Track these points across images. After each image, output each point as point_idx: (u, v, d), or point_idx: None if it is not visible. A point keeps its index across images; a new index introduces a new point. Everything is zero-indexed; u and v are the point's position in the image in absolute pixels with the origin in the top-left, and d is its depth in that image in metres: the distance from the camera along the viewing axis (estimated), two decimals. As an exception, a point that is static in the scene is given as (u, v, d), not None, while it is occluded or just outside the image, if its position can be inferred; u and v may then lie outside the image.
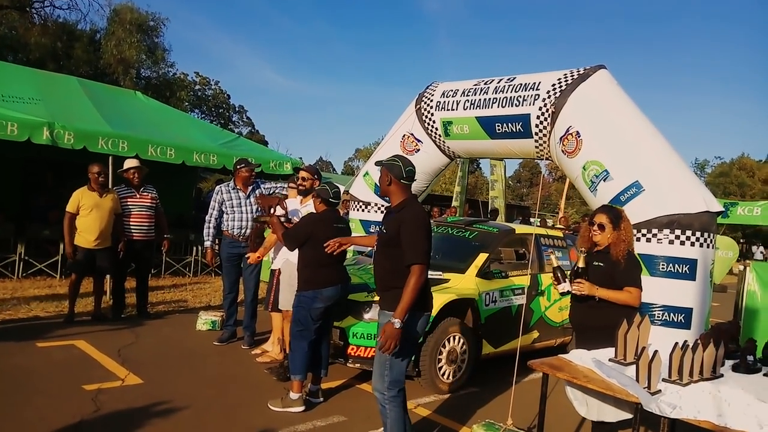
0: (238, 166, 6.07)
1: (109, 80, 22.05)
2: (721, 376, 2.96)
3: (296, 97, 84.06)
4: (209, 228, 6.02)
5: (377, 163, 3.58)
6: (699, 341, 2.97)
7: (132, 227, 6.65)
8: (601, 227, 3.74)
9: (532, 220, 21.73)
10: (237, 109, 41.72)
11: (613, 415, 3.03)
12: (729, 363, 3.14)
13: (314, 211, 4.56)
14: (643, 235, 5.05)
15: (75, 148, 7.48)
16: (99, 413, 3.96)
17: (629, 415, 3.00)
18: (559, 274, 3.77)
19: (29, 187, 10.11)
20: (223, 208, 5.99)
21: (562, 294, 3.81)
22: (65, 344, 5.45)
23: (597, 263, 3.72)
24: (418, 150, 7.26)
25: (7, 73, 9.17)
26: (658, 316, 5.00)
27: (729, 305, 10.33)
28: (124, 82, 23.63)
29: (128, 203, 6.66)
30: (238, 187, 6.01)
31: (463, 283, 5.18)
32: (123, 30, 25.17)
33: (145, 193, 6.78)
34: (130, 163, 6.82)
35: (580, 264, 3.69)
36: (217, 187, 6.17)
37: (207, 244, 6.08)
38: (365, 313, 4.89)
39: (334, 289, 4.37)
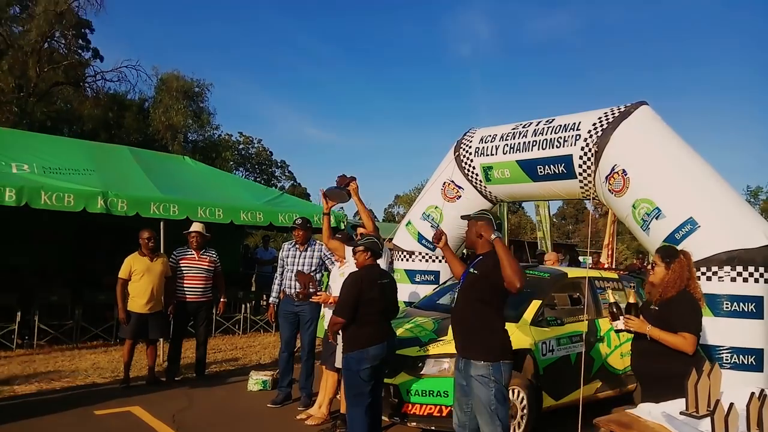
0: (292, 225, 6.24)
1: (158, 146, 23.04)
2: (807, 427, 2.74)
3: (335, 149, 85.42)
4: (275, 284, 6.23)
5: (464, 217, 3.84)
6: (778, 389, 2.77)
7: (185, 288, 6.78)
8: (653, 266, 3.66)
9: (581, 258, 21.15)
10: (279, 164, 42.81)
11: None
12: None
13: (355, 270, 4.46)
14: (703, 273, 4.85)
15: (128, 214, 7.77)
16: (156, 483, 3.95)
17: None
18: (615, 310, 3.72)
19: (84, 252, 10.49)
20: (285, 264, 6.08)
21: (617, 331, 3.77)
22: (122, 411, 5.51)
23: (653, 306, 3.60)
24: (460, 197, 7.24)
25: (64, 146, 9.71)
26: (726, 359, 4.76)
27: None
28: (173, 147, 24.63)
29: (183, 264, 6.81)
30: (297, 244, 6.10)
31: (518, 332, 5.01)
32: (170, 97, 26.45)
33: (205, 256, 6.94)
34: (194, 227, 7.05)
35: (630, 299, 3.63)
36: (283, 245, 6.33)
37: (271, 299, 6.34)
38: (420, 368, 4.77)
39: (379, 348, 4.22)
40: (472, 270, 3.60)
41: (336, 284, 5.04)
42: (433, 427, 4.68)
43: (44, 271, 9.58)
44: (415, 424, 4.74)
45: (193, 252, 6.90)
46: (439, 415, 4.61)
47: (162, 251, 7.06)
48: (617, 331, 3.77)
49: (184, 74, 27.67)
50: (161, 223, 7.78)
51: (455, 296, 3.76)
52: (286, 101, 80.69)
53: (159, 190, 8.53)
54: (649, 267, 3.74)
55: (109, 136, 22.56)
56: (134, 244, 6.63)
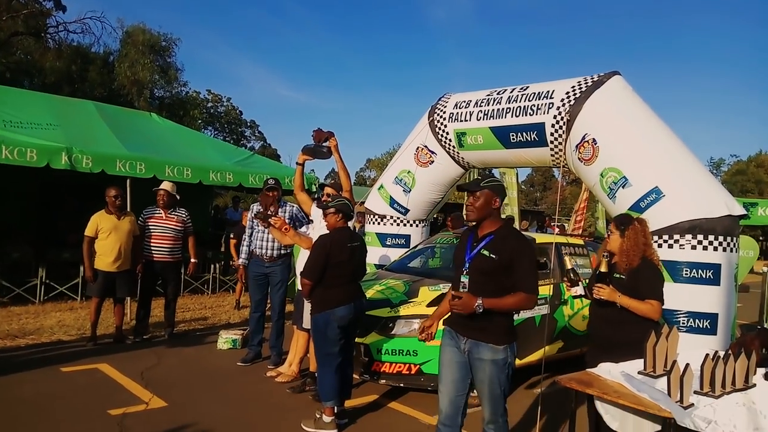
0: (264, 188, 6.11)
1: (124, 101, 22.35)
2: (754, 385, 2.90)
3: (306, 110, 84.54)
4: (243, 246, 6.15)
5: (461, 187, 3.50)
6: (730, 351, 2.91)
7: (152, 248, 6.70)
8: (609, 233, 3.73)
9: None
10: (249, 124, 42.04)
11: (650, 428, 2.95)
12: (761, 371, 3.07)
13: (325, 232, 4.43)
14: (665, 241, 5.00)
15: (93, 171, 7.58)
16: (126, 438, 3.97)
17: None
18: (572, 276, 3.73)
19: (47, 210, 10.24)
20: (254, 226, 6.02)
21: (575, 297, 3.79)
22: (89, 368, 5.49)
23: (618, 275, 3.65)
24: (432, 162, 7.26)
25: (26, 99, 9.34)
26: (683, 323, 4.95)
27: (752, 305, 10.15)
28: (138, 103, 23.94)
29: (150, 223, 6.71)
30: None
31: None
32: (136, 51, 25.56)
33: (173, 216, 6.83)
34: (162, 185, 6.91)
35: (602, 268, 3.61)
36: (252, 206, 6.24)
37: (240, 261, 6.25)
38: (390, 329, 4.85)
39: (346, 309, 4.24)
40: (486, 253, 3.13)
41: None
42: (401, 384, 4.80)
43: (6, 229, 9.33)
44: (384, 381, 4.85)
45: (161, 211, 6.80)
46: (407, 373, 4.73)
47: (129, 210, 6.94)
48: (575, 297, 3.81)
49: (151, 28, 26.77)
50: (127, 181, 7.62)
51: (464, 273, 3.21)
52: (257, 61, 79.23)
53: (125, 147, 8.34)
54: (607, 235, 3.82)
55: (72, 89, 21.80)
56: (100, 202, 6.51)
